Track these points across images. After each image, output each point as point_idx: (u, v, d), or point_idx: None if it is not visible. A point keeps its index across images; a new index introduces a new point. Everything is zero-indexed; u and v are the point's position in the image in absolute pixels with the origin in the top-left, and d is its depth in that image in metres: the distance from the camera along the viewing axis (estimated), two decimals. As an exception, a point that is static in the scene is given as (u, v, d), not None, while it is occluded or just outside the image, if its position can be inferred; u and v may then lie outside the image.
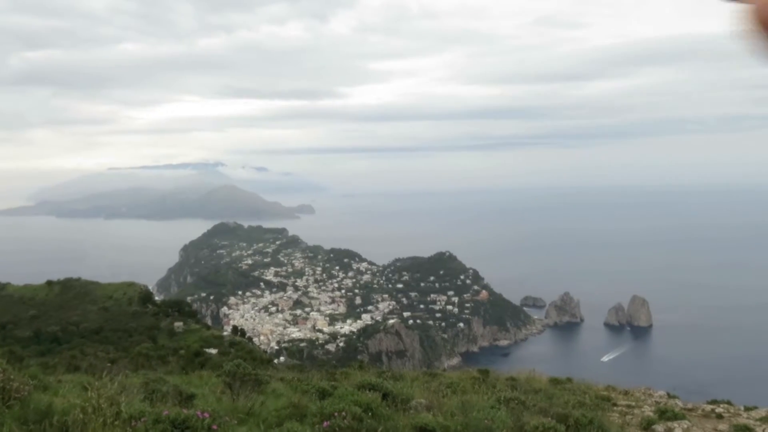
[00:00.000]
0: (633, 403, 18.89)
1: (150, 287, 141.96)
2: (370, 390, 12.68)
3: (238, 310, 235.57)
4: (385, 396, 12.59)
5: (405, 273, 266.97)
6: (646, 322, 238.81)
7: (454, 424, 10.38)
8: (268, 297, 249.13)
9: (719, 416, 17.47)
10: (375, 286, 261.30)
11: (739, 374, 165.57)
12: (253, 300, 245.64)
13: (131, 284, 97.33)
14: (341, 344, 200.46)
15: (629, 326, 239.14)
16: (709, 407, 18.61)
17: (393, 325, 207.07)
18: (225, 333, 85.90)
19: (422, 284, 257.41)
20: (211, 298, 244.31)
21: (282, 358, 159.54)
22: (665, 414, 16.10)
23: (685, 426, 15.06)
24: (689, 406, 18.95)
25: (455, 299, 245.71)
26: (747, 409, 18.94)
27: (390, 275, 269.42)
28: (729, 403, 19.97)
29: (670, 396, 21.35)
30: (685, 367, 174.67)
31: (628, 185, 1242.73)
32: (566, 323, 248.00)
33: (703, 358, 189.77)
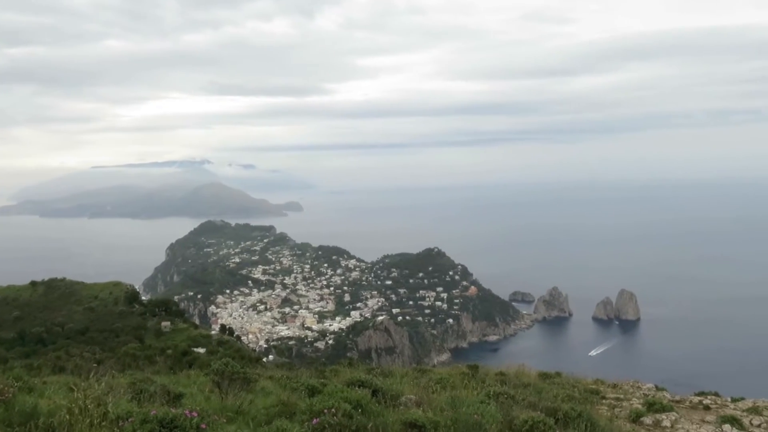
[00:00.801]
0: (621, 396, 19.01)
1: (136, 287, 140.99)
2: (359, 387, 12.63)
3: (225, 308, 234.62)
4: (374, 392, 12.54)
5: (394, 269, 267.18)
6: (634, 316, 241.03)
7: (443, 420, 10.36)
8: (256, 295, 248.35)
9: (707, 407, 17.63)
10: (364, 283, 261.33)
11: (726, 366, 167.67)
12: (241, 298, 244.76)
13: (117, 284, 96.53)
14: (330, 342, 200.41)
15: (617, 320, 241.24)
16: (696, 399, 18.77)
17: (382, 322, 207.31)
18: (213, 332, 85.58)
19: (411, 281, 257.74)
20: (199, 297, 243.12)
21: (271, 357, 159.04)
22: (653, 406, 16.22)
23: (673, 418, 15.18)
24: (677, 398, 19.11)
25: (444, 295, 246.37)
26: (734, 400, 19.13)
27: (379, 272, 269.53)
28: (716, 394, 20.17)
29: (658, 388, 21.52)
30: (672, 360, 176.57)
31: (616, 180, 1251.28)
32: (555, 318, 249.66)
33: (691, 350, 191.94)
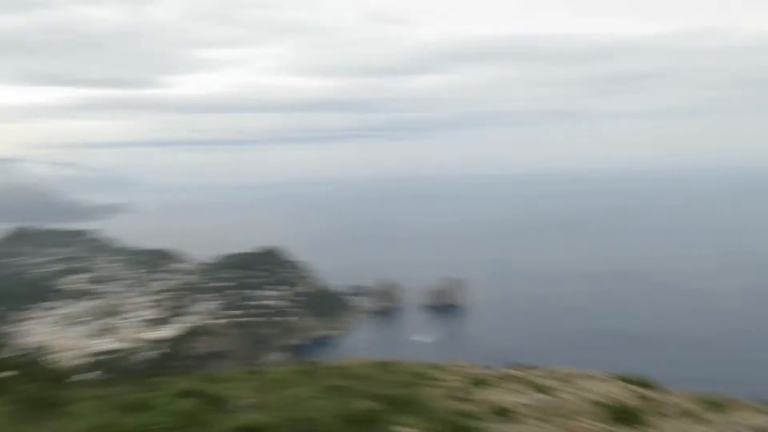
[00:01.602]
0: (452, 377, 20.02)
1: None
2: (190, 396, 11.90)
3: (33, 325, 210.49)
4: (207, 400, 11.89)
5: (229, 270, 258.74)
6: (463, 302, 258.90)
7: (279, 420, 10.01)
8: (71, 307, 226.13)
9: (526, 380, 19.19)
10: (196, 285, 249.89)
11: (549, 341, 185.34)
12: (54, 312, 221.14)
13: None
14: (159, 351, 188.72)
15: (448, 307, 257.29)
16: (519, 373, 20.39)
17: (214, 326, 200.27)
18: (14, 353, 75.89)
19: (247, 280, 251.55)
20: None
21: (89, 374, 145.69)
22: (480, 383, 17.27)
23: (499, 392, 16.25)
24: (502, 373, 20.61)
25: (281, 293, 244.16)
26: (551, 371, 21.11)
27: (212, 273, 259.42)
28: (535, 367, 22.12)
29: (486, 367, 23.07)
30: (500, 341, 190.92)
31: (455, 176, 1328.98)
32: (389, 309, 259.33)
33: (516, 330, 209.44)
